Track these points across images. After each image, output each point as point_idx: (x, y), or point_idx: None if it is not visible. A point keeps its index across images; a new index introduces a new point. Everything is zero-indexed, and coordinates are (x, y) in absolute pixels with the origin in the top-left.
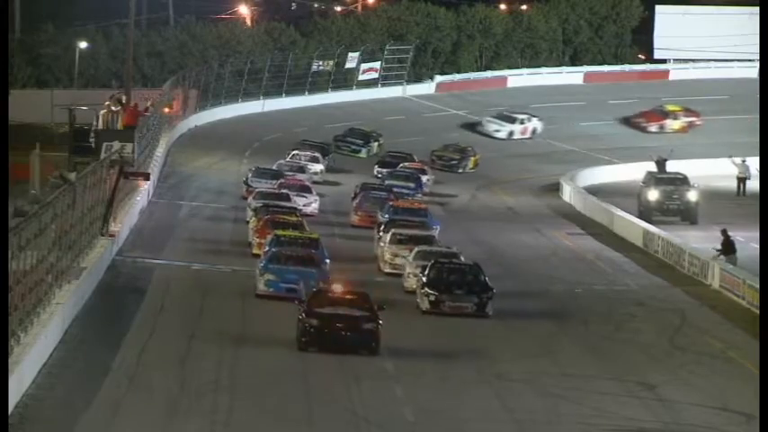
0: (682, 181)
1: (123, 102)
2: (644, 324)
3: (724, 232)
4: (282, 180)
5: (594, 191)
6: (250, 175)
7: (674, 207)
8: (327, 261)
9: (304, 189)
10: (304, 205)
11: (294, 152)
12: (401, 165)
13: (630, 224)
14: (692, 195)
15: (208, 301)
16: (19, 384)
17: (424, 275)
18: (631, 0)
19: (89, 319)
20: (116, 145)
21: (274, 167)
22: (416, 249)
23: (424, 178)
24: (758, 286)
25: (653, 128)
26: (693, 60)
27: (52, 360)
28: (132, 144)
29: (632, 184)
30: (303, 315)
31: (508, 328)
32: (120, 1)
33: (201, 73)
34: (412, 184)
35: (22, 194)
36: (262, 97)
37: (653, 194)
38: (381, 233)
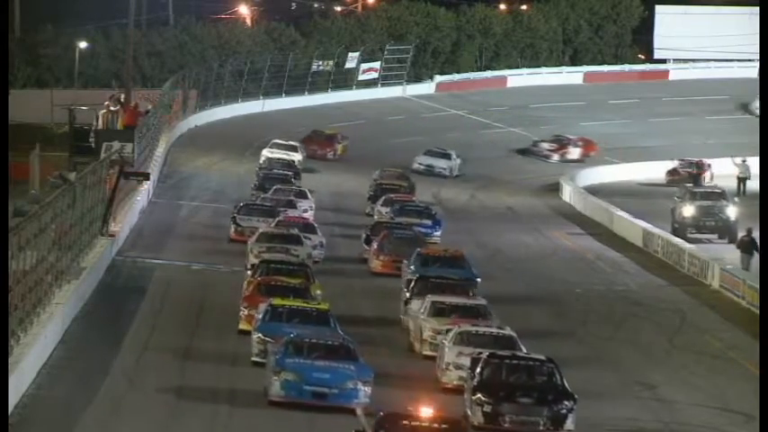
0: (719, 195)
1: (122, 101)
2: (644, 324)
3: (749, 232)
4: (281, 218)
5: (594, 191)
6: (237, 211)
7: (712, 224)
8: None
9: (308, 229)
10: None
11: (276, 186)
12: (385, 197)
13: (630, 224)
14: (731, 212)
15: (208, 302)
16: (19, 384)
17: (474, 374)
18: (631, 0)
19: (89, 319)
20: (116, 145)
21: (268, 203)
22: (456, 330)
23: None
24: (758, 286)
25: (330, 154)
26: (693, 60)
27: (52, 360)
28: (132, 144)
29: (631, 185)
30: None
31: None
32: (121, 1)
33: (201, 73)
34: (428, 222)
35: (22, 194)
36: (262, 97)
37: (688, 210)
38: (409, 294)
